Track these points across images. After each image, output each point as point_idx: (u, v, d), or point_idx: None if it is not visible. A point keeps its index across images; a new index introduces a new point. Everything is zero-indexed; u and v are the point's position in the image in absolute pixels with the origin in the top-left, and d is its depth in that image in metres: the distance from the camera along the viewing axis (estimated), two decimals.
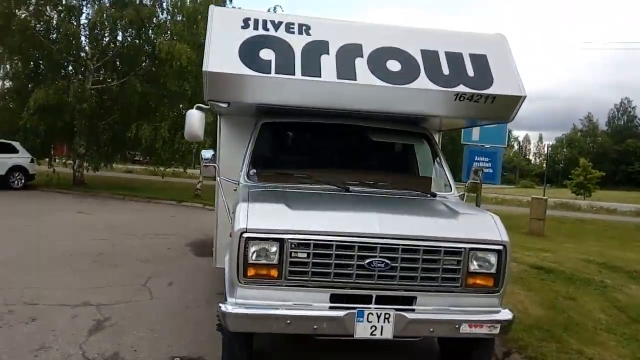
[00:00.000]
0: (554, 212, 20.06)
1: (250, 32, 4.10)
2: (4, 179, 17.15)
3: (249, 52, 3.94)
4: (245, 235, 3.23)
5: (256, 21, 4.18)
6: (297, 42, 4.08)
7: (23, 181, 17.71)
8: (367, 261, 3.31)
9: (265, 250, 3.27)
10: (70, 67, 20.17)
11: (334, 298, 3.37)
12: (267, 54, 3.97)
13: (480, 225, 3.62)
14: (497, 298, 3.54)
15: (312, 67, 3.95)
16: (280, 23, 4.22)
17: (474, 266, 3.46)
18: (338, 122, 4.59)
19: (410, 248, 3.35)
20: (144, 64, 19.42)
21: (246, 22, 4.16)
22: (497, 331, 3.47)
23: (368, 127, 4.62)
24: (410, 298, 3.45)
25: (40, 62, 19.37)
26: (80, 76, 19.31)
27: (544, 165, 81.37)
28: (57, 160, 21.52)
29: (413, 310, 3.43)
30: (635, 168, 79.05)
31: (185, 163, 20.38)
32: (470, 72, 4.18)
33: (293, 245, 3.26)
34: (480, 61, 4.27)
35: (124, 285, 6.02)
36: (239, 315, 3.28)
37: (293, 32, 4.17)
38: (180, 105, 18.84)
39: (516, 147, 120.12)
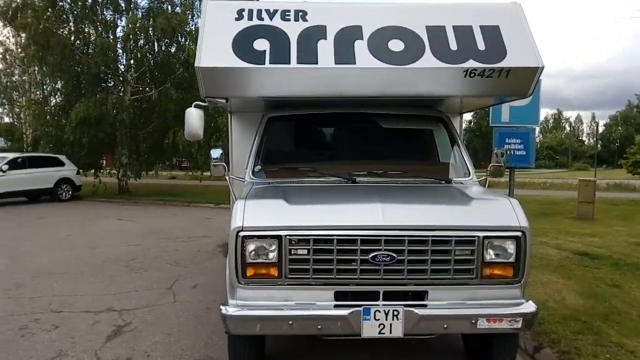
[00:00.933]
0: (606, 194, 18.93)
1: (244, 23, 3.95)
2: (52, 192, 17.89)
3: (242, 44, 3.79)
4: (241, 233, 3.10)
5: (250, 11, 4.02)
6: (293, 30, 3.90)
7: (70, 192, 18.40)
8: (372, 255, 3.11)
9: (264, 249, 3.13)
10: (109, 80, 20.81)
11: (338, 296, 3.19)
12: (261, 44, 3.81)
13: (496, 210, 3.34)
14: (519, 289, 3.25)
15: (308, 54, 3.76)
16: (276, 11, 4.04)
17: (490, 256, 3.19)
18: (347, 110, 4.40)
19: (417, 239, 3.12)
20: (178, 72, 19.76)
21: (240, 13, 4.01)
22: (519, 325, 3.18)
23: (378, 114, 4.40)
24: (421, 293, 3.22)
25: (81, 77, 20.05)
26: (119, 87, 19.89)
27: (598, 145, 77.51)
28: (102, 171, 22.26)
29: (424, 305, 3.20)
30: None
31: None
32: (481, 45, 3.87)
33: (292, 242, 3.11)
34: (492, 33, 3.94)
35: (149, 289, 6.04)
36: (239, 318, 3.15)
37: (289, 20, 3.99)
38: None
39: (568, 129, 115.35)
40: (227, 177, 4.33)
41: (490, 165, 4.43)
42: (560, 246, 8.02)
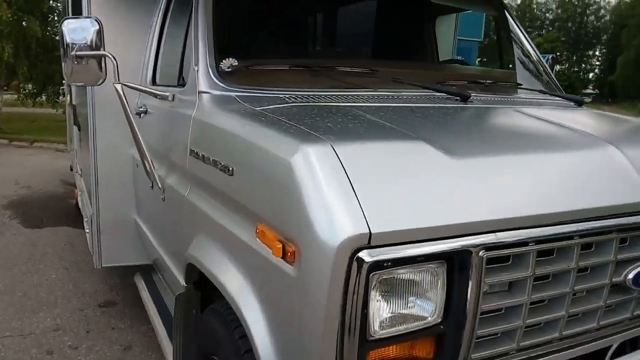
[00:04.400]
0: None
1: None
2: None
3: None
4: (365, 257, 0.93)
5: None
6: None
7: None
8: (632, 272, 1.30)
9: (414, 285, 1.06)
10: None
11: None
12: None
13: None
14: None
15: None
16: None
17: None
18: None
19: None
20: None
21: None
22: None
23: None
24: None
25: None
26: None
27: None
28: None
29: None
30: None
31: None
32: None
33: (488, 261, 1.07)
34: None
35: None
36: None
37: None
38: None
39: None
40: (116, 87, 1.84)
41: None
42: None
